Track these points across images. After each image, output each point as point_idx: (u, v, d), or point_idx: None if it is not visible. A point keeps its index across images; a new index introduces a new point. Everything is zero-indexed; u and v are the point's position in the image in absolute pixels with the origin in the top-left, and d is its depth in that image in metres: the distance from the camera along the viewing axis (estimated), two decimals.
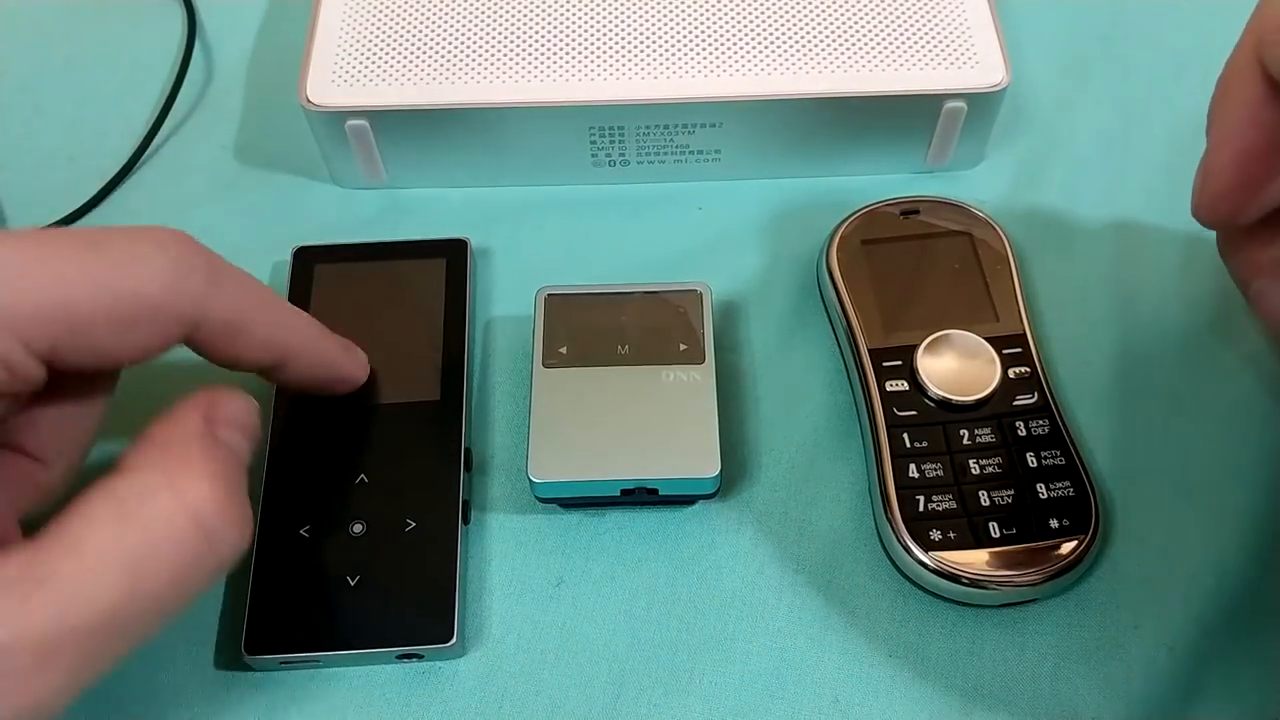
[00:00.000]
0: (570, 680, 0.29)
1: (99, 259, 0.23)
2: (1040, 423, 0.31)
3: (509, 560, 0.31)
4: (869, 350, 0.32)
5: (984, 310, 0.33)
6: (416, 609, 0.29)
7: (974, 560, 0.28)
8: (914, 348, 0.31)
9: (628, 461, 0.30)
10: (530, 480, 0.30)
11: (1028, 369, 0.31)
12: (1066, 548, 0.29)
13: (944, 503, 0.29)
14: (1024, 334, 0.32)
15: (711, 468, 0.29)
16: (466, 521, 0.31)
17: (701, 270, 0.36)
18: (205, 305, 0.25)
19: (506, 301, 0.35)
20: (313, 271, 0.34)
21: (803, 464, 0.32)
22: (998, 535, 0.29)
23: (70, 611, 0.21)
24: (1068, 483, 0.30)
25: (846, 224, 0.34)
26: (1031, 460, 0.30)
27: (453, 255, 0.35)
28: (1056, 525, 0.29)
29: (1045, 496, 0.29)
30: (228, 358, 0.27)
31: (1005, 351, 0.31)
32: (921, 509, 0.29)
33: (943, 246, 0.34)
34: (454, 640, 0.28)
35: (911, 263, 0.34)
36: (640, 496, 0.30)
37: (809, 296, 0.35)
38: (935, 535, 0.29)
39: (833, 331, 0.34)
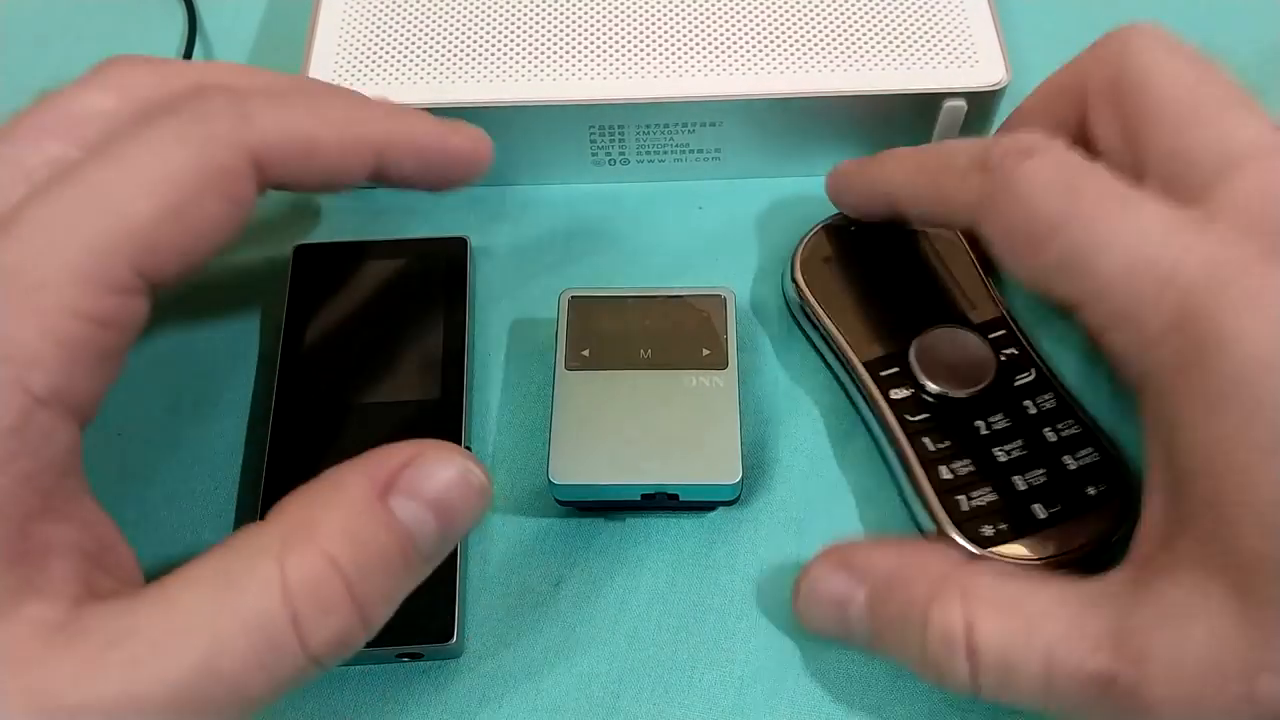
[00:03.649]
0: (570, 680, 0.29)
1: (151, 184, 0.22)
2: (1045, 397, 0.30)
3: (509, 560, 0.31)
4: (864, 364, 0.32)
5: (958, 301, 0.33)
6: (416, 608, 0.28)
7: (1032, 547, 0.28)
8: (905, 352, 0.31)
9: (649, 466, 0.29)
10: (550, 483, 0.29)
11: (1015, 349, 0.31)
12: (1110, 511, 0.29)
13: (985, 497, 0.29)
14: (1002, 316, 0.32)
15: (733, 474, 0.29)
16: None
17: (701, 269, 0.36)
18: (254, 146, 0.24)
19: (507, 301, 0.35)
20: (313, 270, 0.34)
21: (804, 464, 0.32)
22: (1044, 516, 0.29)
23: (141, 679, 0.19)
24: (1090, 449, 0.30)
25: (804, 245, 0.34)
26: (1050, 435, 0.30)
27: (453, 254, 0.35)
28: (1094, 492, 0.29)
29: (1074, 467, 0.29)
30: (317, 182, 0.25)
31: (990, 336, 0.31)
32: (965, 509, 0.29)
33: (904, 246, 0.34)
34: (454, 640, 0.28)
35: (878, 268, 0.34)
36: (661, 502, 0.30)
37: None
38: (988, 531, 0.29)
39: (818, 353, 0.34)
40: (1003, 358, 0.31)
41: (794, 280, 0.33)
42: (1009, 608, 0.24)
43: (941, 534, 0.29)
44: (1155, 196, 0.24)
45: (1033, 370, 0.31)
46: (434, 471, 0.22)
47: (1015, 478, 0.29)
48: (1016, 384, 0.31)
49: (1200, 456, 0.22)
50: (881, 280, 0.33)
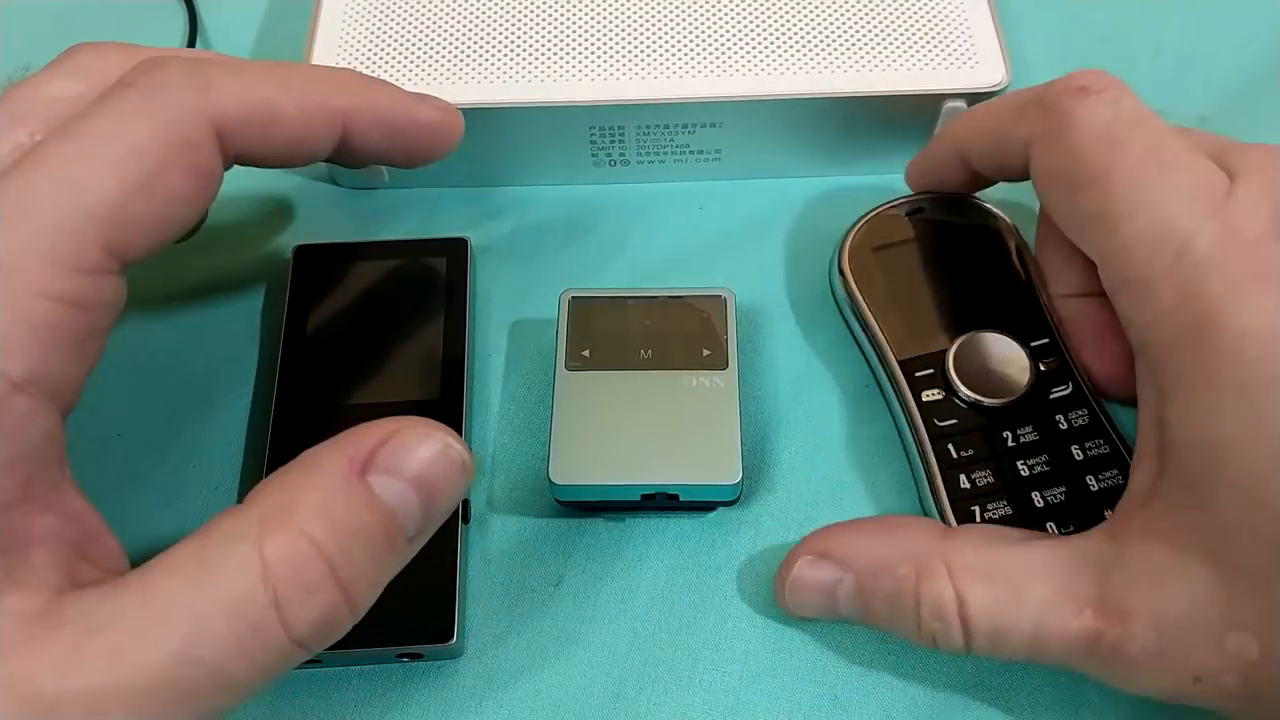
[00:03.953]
0: (570, 680, 0.29)
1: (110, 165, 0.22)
2: (1079, 413, 0.30)
3: (509, 560, 0.31)
4: (899, 362, 0.31)
5: (1005, 303, 0.32)
6: (416, 608, 0.29)
7: None
8: (943, 353, 0.31)
9: (649, 466, 0.29)
10: (550, 483, 0.29)
11: (1056, 359, 0.31)
12: None
13: (999, 510, 0.29)
14: (1047, 323, 0.32)
15: (733, 475, 0.29)
16: (466, 521, 0.31)
17: (701, 269, 0.36)
18: (214, 114, 0.24)
19: (507, 301, 0.35)
20: (313, 270, 0.34)
21: (804, 464, 0.32)
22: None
23: (122, 667, 0.19)
24: (1115, 471, 0.29)
25: (855, 232, 0.34)
26: (1077, 453, 0.30)
27: (453, 254, 0.35)
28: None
29: (1096, 489, 0.29)
30: (282, 152, 0.26)
31: (1033, 344, 0.31)
32: (978, 520, 0.29)
33: (955, 243, 0.33)
34: (454, 640, 0.28)
35: (926, 264, 0.33)
36: (661, 502, 0.30)
37: (809, 295, 0.35)
38: None
39: (856, 343, 0.34)
40: (1042, 368, 0.31)
41: (839, 267, 0.33)
42: (995, 576, 0.25)
43: None
44: (1196, 155, 0.25)
45: (1070, 384, 0.30)
46: (414, 448, 0.22)
47: (1034, 493, 0.29)
48: (1052, 397, 0.30)
49: (1188, 429, 0.23)
50: (929, 276, 0.33)
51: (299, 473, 0.21)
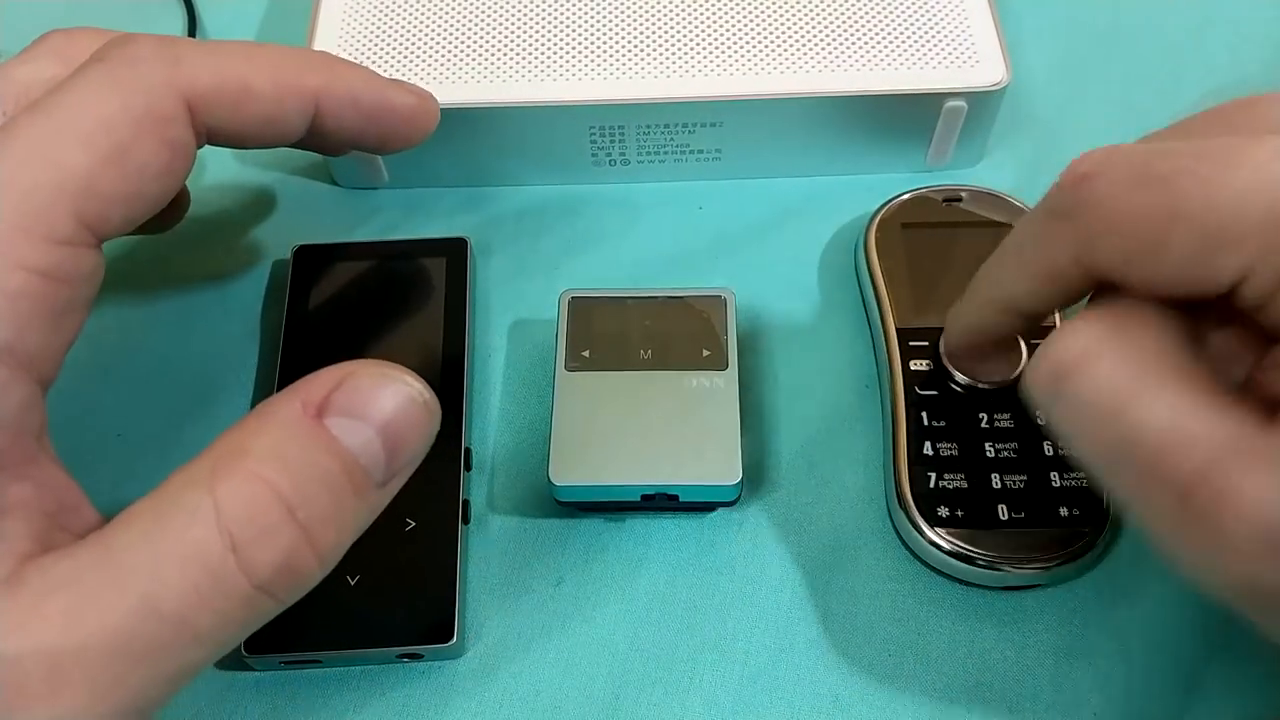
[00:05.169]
0: (570, 680, 0.29)
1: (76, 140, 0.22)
2: None
3: (509, 560, 0.31)
4: (897, 329, 0.32)
5: None
6: (416, 608, 0.29)
7: (979, 539, 0.29)
8: (940, 330, 0.31)
9: (649, 467, 0.29)
10: (550, 483, 0.29)
11: None
12: (1075, 536, 0.29)
13: (954, 481, 0.30)
14: (1053, 326, 0.32)
15: (733, 475, 0.29)
16: (466, 521, 0.31)
17: (701, 269, 0.36)
18: (186, 87, 0.24)
19: (507, 301, 0.35)
20: (313, 270, 0.34)
21: (803, 465, 0.32)
22: (1005, 518, 0.29)
23: (81, 626, 0.19)
24: (1083, 473, 0.30)
25: (888, 207, 0.35)
26: (1048, 449, 0.30)
27: (453, 254, 0.35)
28: (1066, 514, 0.29)
29: (1058, 485, 0.29)
30: (255, 129, 0.25)
31: (1034, 341, 0.31)
32: (932, 485, 0.30)
33: (981, 235, 0.34)
34: (454, 640, 0.28)
35: (948, 249, 0.34)
36: (660, 502, 0.30)
37: (809, 295, 0.35)
38: (943, 512, 0.29)
39: (864, 311, 0.34)
40: None
41: (866, 236, 0.34)
42: (1143, 361, 0.21)
43: (901, 503, 0.29)
44: (1240, 137, 0.21)
45: None
46: (371, 390, 0.21)
47: (994, 474, 0.30)
48: None
49: None
50: (949, 259, 0.33)
51: (252, 419, 0.21)
